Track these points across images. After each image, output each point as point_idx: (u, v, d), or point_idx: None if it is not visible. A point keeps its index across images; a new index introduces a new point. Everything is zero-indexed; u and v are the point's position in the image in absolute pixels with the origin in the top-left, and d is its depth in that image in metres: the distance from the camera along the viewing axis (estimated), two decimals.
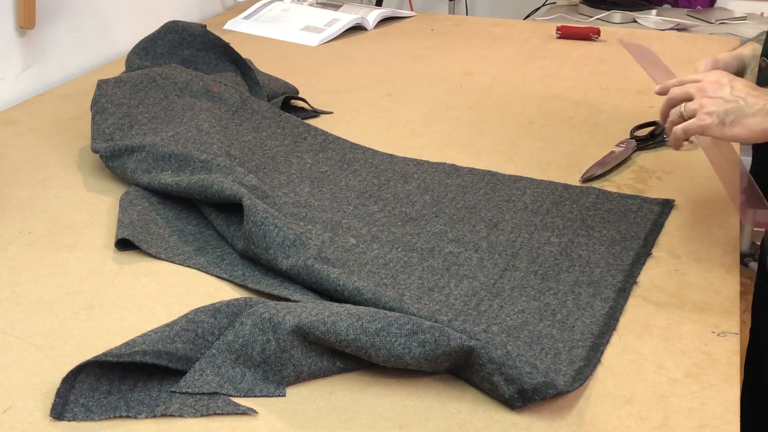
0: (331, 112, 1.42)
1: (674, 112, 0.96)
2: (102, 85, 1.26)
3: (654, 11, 2.37)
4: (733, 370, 0.80)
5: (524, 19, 2.45)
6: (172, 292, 0.92)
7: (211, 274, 0.95)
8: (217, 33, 1.47)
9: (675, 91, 0.96)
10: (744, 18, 2.39)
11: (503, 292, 0.90)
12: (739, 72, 1.25)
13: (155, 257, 0.98)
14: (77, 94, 1.49)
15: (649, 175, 1.19)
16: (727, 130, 0.90)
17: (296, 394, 0.77)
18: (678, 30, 2.20)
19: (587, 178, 1.17)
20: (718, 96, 0.91)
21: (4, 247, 1.01)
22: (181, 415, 0.73)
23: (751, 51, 1.24)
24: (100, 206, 1.10)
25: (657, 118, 1.33)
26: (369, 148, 1.26)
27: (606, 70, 1.66)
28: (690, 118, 0.93)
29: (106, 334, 0.84)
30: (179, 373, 0.76)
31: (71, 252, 1.00)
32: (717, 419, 0.74)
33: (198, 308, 0.82)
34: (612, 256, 0.97)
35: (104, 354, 0.74)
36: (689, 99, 0.94)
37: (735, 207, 0.96)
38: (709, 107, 0.91)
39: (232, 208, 1.01)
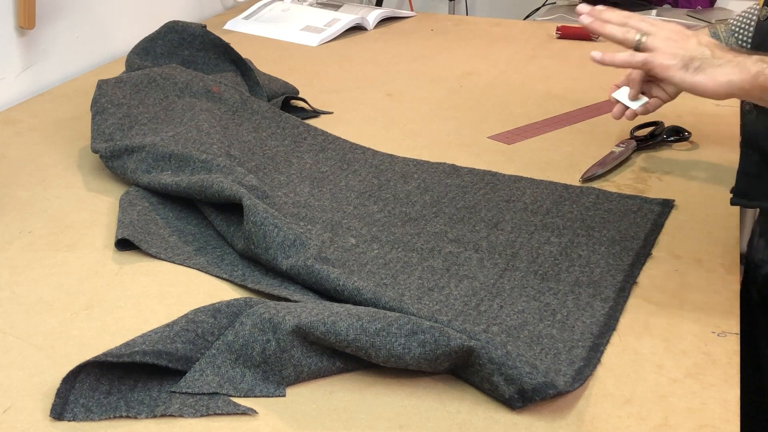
0: (331, 112, 1.42)
1: (629, 38, 0.92)
2: (102, 85, 1.26)
3: (654, 11, 2.36)
4: (733, 370, 0.80)
5: (524, 19, 2.45)
6: (172, 292, 0.92)
7: (211, 274, 0.95)
8: (217, 33, 1.47)
9: (635, 22, 0.93)
10: None
11: (503, 292, 0.90)
12: None
13: (155, 257, 0.98)
14: (77, 94, 1.49)
15: (649, 175, 1.19)
16: (689, 76, 0.88)
17: (296, 394, 0.77)
18: None
19: (587, 178, 1.17)
20: (684, 42, 0.89)
21: (4, 247, 1.01)
22: (181, 415, 0.73)
23: None
24: (100, 206, 1.10)
25: (658, 118, 1.33)
26: (369, 148, 1.26)
27: (606, 70, 1.63)
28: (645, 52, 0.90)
29: (106, 334, 0.84)
30: (179, 373, 0.76)
31: (71, 252, 0.99)
32: (717, 419, 0.74)
33: (198, 308, 0.82)
34: (612, 256, 0.97)
35: (104, 354, 0.74)
36: (646, 33, 0.91)
37: None
38: (673, 49, 0.89)
39: (232, 208, 1.01)
